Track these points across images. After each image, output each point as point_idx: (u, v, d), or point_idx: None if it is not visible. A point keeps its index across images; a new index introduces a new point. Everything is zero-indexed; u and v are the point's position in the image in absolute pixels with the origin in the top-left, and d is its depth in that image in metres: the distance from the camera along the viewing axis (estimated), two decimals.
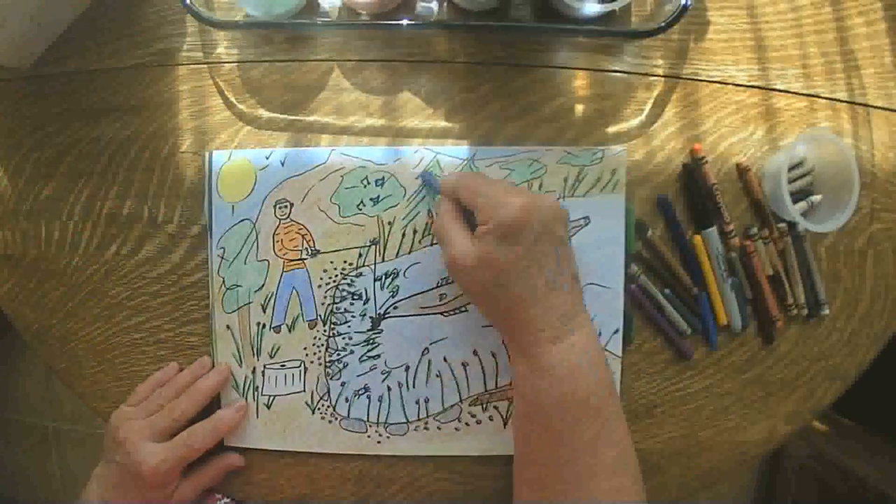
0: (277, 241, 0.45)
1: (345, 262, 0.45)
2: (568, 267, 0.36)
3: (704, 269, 0.44)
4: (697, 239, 0.44)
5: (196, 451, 0.42)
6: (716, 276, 0.44)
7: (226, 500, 0.46)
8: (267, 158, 0.45)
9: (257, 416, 0.45)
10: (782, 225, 0.45)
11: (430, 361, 0.45)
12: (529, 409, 0.36)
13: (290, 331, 0.45)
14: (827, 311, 0.45)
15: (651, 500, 0.46)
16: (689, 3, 0.40)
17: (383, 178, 0.44)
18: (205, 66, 0.46)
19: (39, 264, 0.48)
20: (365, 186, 0.45)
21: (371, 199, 0.44)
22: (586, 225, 0.44)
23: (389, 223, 0.44)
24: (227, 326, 0.45)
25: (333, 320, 0.45)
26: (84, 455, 1.25)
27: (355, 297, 0.45)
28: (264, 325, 0.45)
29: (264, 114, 0.46)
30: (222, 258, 0.45)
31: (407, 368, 0.45)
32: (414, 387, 0.45)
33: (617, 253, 0.44)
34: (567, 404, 0.34)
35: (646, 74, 0.45)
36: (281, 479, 0.46)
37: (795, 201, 0.43)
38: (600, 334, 0.44)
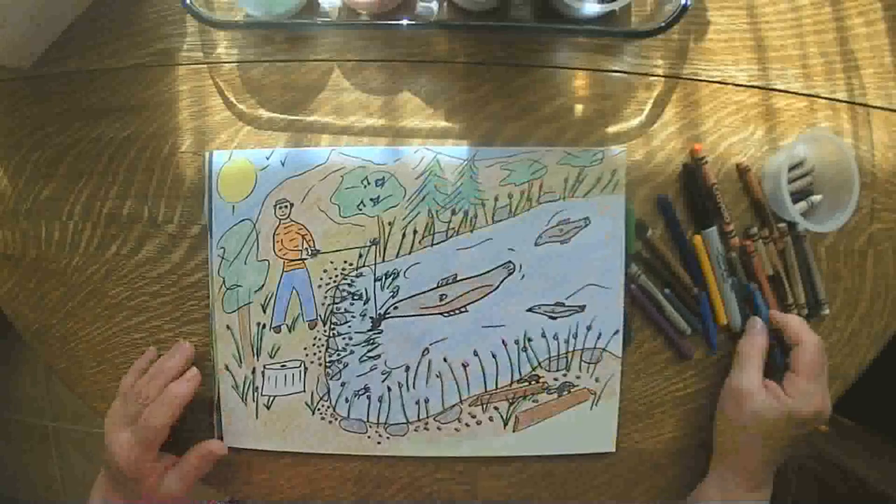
0: (277, 241, 0.45)
1: (345, 262, 0.45)
2: (787, 452, 0.42)
3: (704, 269, 0.44)
4: (697, 239, 0.44)
5: (156, 429, 0.41)
6: (716, 276, 0.44)
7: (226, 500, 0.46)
8: (267, 159, 0.45)
9: (257, 417, 0.45)
10: (782, 225, 0.45)
11: (430, 362, 0.45)
12: None
13: (290, 331, 0.45)
14: (827, 311, 0.45)
15: (651, 500, 0.46)
16: (689, 3, 0.40)
17: (383, 179, 0.44)
18: (205, 66, 0.46)
19: (39, 264, 0.48)
20: (365, 186, 0.45)
21: (371, 200, 0.44)
22: (586, 226, 0.44)
23: (390, 223, 0.44)
24: (227, 326, 0.45)
25: (333, 320, 0.45)
26: (84, 455, 1.25)
27: (355, 298, 0.45)
28: (264, 326, 0.45)
29: (264, 114, 0.46)
30: (222, 258, 0.45)
31: (407, 369, 0.45)
32: (414, 387, 0.45)
33: (617, 253, 0.44)
34: None
35: (646, 74, 0.45)
36: (281, 479, 0.46)
37: (795, 201, 0.43)
38: (600, 335, 0.44)
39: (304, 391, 0.45)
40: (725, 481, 0.42)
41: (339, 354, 0.45)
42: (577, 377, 0.44)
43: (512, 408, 0.45)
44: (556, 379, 0.44)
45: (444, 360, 0.44)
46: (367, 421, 0.45)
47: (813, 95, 0.45)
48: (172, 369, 0.44)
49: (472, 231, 0.44)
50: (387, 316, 0.45)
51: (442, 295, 0.44)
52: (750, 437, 0.41)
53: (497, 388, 0.45)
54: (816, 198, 0.44)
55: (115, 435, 0.41)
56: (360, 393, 0.45)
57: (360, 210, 0.44)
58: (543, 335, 0.44)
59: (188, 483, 0.43)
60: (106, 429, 0.42)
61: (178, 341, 0.46)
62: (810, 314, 0.45)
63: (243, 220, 0.45)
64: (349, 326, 0.45)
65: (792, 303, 0.45)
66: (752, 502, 0.41)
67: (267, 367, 0.45)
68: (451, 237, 0.44)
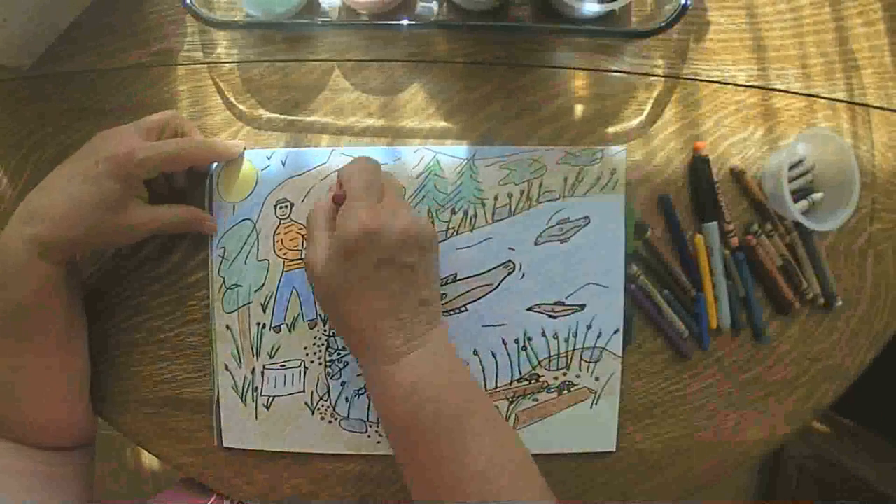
0: (278, 241, 0.45)
1: None
2: (416, 291, 0.35)
3: (703, 271, 0.44)
4: (698, 238, 0.44)
5: (181, 156, 0.40)
6: (714, 277, 0.44)
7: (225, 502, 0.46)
8: (268, 159, 0.45)
9: (257, 417, 0.45)
10: (787, 222, 0.45)
11: None
12: (385, 423, 0.36)
13: (290, 331, 0.45)
14: (840, 303, 0.45)
15: (651, 500, 0.46)
16: (689, 3, 0.40)
17: None
18: (205, 66, 0.46)
19: None
20: None
21: None
22: (586, 225, 0.44)
23: None
24: (227, 326, 0.45)
25: None
26: None
27: None
28: (264, 325, 0.45)
29: (264, 114, 0.46)
30: (223, 258, 0.45)
31: None
32: None
33: (617, 252, 0.44)
34: (414, 421, 0.34)
35: (646, 74, 0.45)
36: (281, 479, 0.46)
37: (796, 200, 0.44)
38: (600, 334, 0.44)
39: (304, 391, 0.45)
40: (364, 367, 0.36)
41: (339, 354, 0.45)
42: (577, 376, 0.44)
43: (512, 407, 0.45)
44: (555, 378, 0.44)
45: None
46: (368, 420, 0.45)
47: (813, 95, 0.46)
48: (224, 149, 0.44)
49: (471, 230, 0.44)
50: None
51: (442, 294, 0.44)
52: (337, 302, 0.35)
53: (497, 388, 0.45)
54: (817, 195, 0.44)
55: (128, 137, 0.39)
56: (360, 392, 0.45)
57: None
58: (543, 334, 0.44)
59: (155, 226, 0.41)
60: (109, 132, 0.40)
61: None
62: (825, 305, 0.45)
63: (243, 219, 0.45)
64: None
65: (807, 288, 0.45)
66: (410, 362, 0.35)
67: (267, 367, 0.45)
68: (450, 236, 0.44)
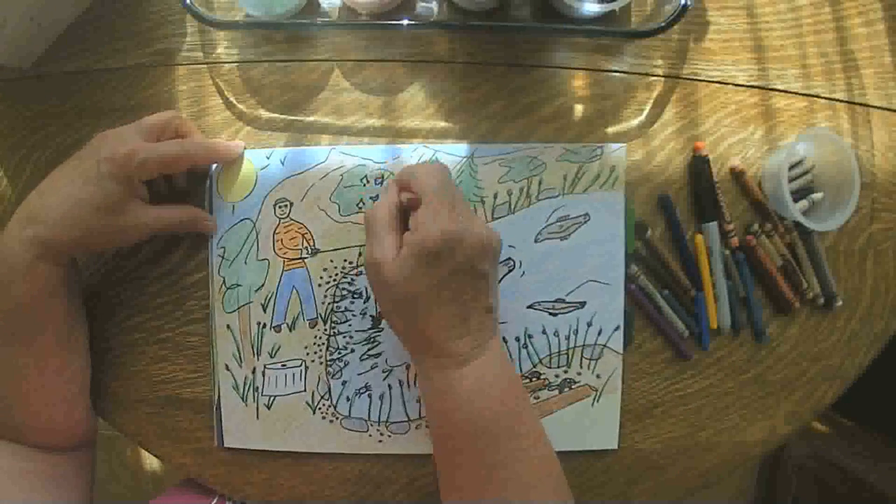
0: (277, 241, 0.45)
1: (345, 260, 0.45)
2: (485, 299, 0.36)
3: (702, 271, 0.44)
4: (699, 238, 0.44)
5: (181, 157, 0.40)
6: (714, 277, 0.44)
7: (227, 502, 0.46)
8: (267, 158, 0.45)
9: (257, 417, 0.45)
10: (788, 222, 0.45)
11: None
12: (437, 424, 0.37)
13: (290, 330, 0.45)
14: (840, 303, 0.45)
15: (651, 500, 0.46)
16: (689, 3, 0.41)
17: (383, 177, 0.45)
18: (205, 66, 0.46)
19: None
20: (364, 185, 0.45)
21: (371, 198, 0.44)
22: (586, 222, 0.44)
23: None
24: (228, 326, 0.45)
25: (334, 319, 0.45)
26: None
27: (356, 296, 0.45)
28: (264, 325, 0.45)
29: (264, 114, 0.46)
30: (222, 257, 0.45)
31: (408, 367, 0.45)
32: (415, 385, 0.45)
33: (617, 249, 0.44)
34: (471, 425, 0.35)
35: (646, 74, 0.45)
36: (281, 479, 0.46)
37: (796, 200, 0.44)
38: (601, 331, 0.44)
39: (305, 390, 0.45)
40: (425, 371, 0.36)
41: (339, 353, 0.45)
42: (578, 373, 0.44)
43: None
44: (556, 375, 0.44)
45: None
46: (368, 419, 0.45)
47: (813, 95, 0.46)
48: (225, 148, 0.44)
49: None
50: None
51: None
52: (409, 306, 0.34)
53: None
54: (817, 195, 0.44)
55: (129, 136, 0.39)
56: (361, 391, 0.45)
57: (360, 209, 0.44)
58: (544, 332, 0.44)
59: (159, 222, 0.41)
60: (109, 132, 0.40)
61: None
62: (825, 305, 0.45)
63: (243, 219, 0.45)
64: (350, 325, 0.45)
65: (807, 288, 0.45)
66: (468, 368, 0.35)
67: (267, 366, 0.45)
68: None
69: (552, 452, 0.37)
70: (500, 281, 0.44)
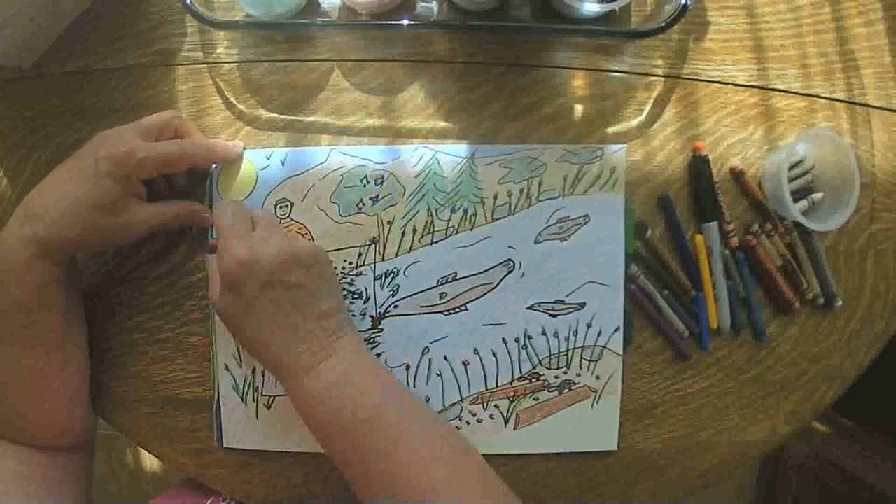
0: None
1: (345, 261, 0.45)
2: (310, 306, 0.37)
3: (702, 271, 0.44)
4: (699, 238, 0.44)
5: (181, 157, 0.40)
6: (714, 277, 0.44)
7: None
8: (267, 158, 0.45)
9: (257, 417, 0.45)
10: (788, 222, 0.45)
11: (430, 360, 0.44)
12: (312, 433, 0.37)
13: None
14: (840, 303, 0.45)
15: (651, 500, 0.46)
16: (689, 3, 0.41)
17: (383, 177, 0.45)
18: (205, 66, 0.46)
19: None
20: (364, 185, 0.45)
21: (371, 198, 0.44)
22: (586, 223, 0.44)
23: (389, 222, 0.44)
24: None
25: None
26: None
27: (355, 297, 0.45)
28: None
29: (264, 114, 0.46)
30: None
31: (407, 367, 0.45)
32: (414, 386, 0.45)
33: (617, 250, 0.44)
34: (334, 425, 0.36)
35: (646, 74, 0.45)
36: (281, 479, 0.46)
37: (796, 200, 0.44)
38: (600, 333, 0.44)
39: None
40: (284, 385, 0.37)
41: None
42: (578, 375, 0.44)
43: (512, 406, 0.45)
44: (556, 377, 0.44)
45: (445, 358, 0.44)
46: None
47: (812, 95, 0.46)
48: (222, 149, 0.44)
49: (471, 229, 0.44)
50: (387, 315, 0.45)
51: (442, 293, 0.44)
52: (242, 332, 0.36)
53: (497, 387, 0.45)
54: (817, 195, 0.44)
55: (127, 134, 0.39)
56: None
57: (360, 209, 0.44)
58: (544, 333, 0.44)
59: (157, 220, 0.41)
60: (109, 132, 0.40)
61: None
62: (825, 305, 0.45)
63: None
64: None
65: (807, 288, 0.45)
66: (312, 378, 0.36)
67: None
68: (450, 235, 0.44)
69: (445, 435, 0.37)
70: (499, 282, 0.44)
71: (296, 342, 0.36)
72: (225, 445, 0.45)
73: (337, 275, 0.45)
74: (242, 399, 0.45)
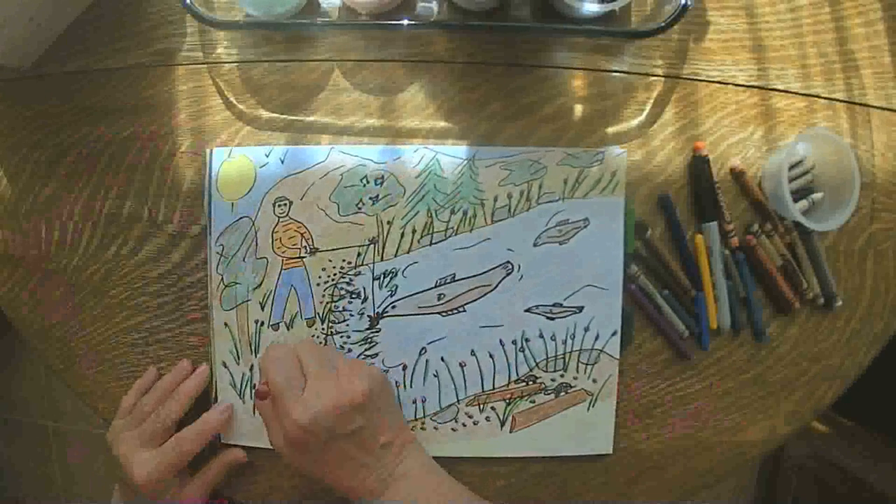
0: (276, 239, 0.45)
1: (343, 260, 0.45)
2: (371, 443, 0.38)
3: (702, 271, 0.44)
4: (699, 238, 0.44)
5: (185, 454, 0.42)
6: (714, 277, 0.44)
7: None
8: (267, 156, 0.45)
9: (254, 414, 0.45)
10: (788, 222, 0.45)
11: (427, 361, 0.45)
12: None
13: (288, 329, 0.45)
14: (840, 303, 0.45)
15: (651, 500, 0.46)
16: (689, 3, 0.40)
17: (382, 177, 0.45)
18: (205, 66, 0.46)
19: (39, 264, 0.48)
20: (364, 185, 0.45)
21: (370, 198, 0.44)
22: (585, 227, 0.44)
23: (388, 222, 0.44)
24: (226, 324, 0.45)
25: (332, 319, 0.45)
26: (84, 455, 1.25)
27: (354, 296, 0.45)
28: (262, 323, 0.45)
29: (264, 114, 0.46)
30: (221, 255, 0.45)
31: (404, 368, 0.45)
32: (411, 386, 0.45)
33: (616, 255, 0.44)
34: None
35: (646, 74, 0.45)
36: (281, 479, 0.46)
37: (796, 200, 0.43)
38: (598, 336, 0.44)
39: None
40: None
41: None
42: (575, 378, 0.44)
43: (509, 408, 0.45)
44: (553, 380, 0.44)
45: (442, 359, 0.44)
46: None
47: (812, 95, 0.45)
48: (193, 391, 0.45)
49: (471, 231, 0.44)
50: (385, 315, 0.45)
51: (440, 294, 0.44)
52: (311, 475, 0.39)
53: (494, 389, 0.45)
54: (817, 195, 0.44)
55: (132, 455, 0.42)
56: None
57: (359, 209, 0.45)
58: (541, 336, 0.44)
59: (207, 488, 0.44)
60: (115, 450, 0.43)
61: (179, 361, 0.46)
62: (825, 305, 0.45)
63: (242, 217, 0.45)
64: (347, 325, 0.45)
65: (807, 288, 0.45)
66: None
67: None
68: (449, 237, 0.44)
69: None
70: (497, 284, 0.44)
71: (363, 472, 0.38)
72: (223, 442, 0.45)
73: (335, 274, 0.45)
74: (240, 396, 0.45)
